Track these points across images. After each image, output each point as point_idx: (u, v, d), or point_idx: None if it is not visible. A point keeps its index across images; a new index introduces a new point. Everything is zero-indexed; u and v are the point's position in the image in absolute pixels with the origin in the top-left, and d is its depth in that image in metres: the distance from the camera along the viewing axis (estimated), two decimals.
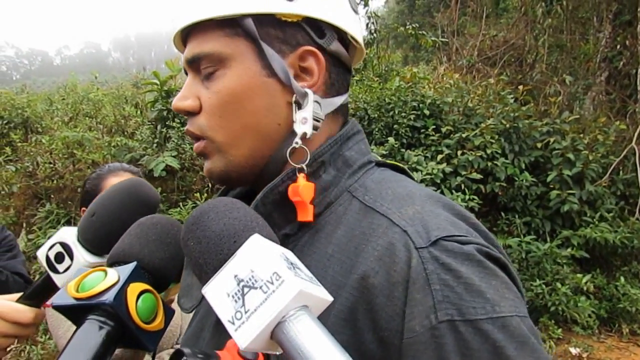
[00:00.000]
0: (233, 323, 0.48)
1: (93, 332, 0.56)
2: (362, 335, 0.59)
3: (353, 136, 0.75)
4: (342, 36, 0.75)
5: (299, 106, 0.69)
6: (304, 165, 0.68)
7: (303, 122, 0.69)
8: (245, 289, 0.49)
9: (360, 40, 0.77)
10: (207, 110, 0.71)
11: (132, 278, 0.60)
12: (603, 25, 8.38)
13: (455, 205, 0.67)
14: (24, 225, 5.99)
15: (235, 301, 0.49)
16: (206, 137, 0.72)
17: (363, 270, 0.60)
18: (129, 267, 0.61)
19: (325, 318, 0.57)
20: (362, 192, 0.69)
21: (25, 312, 0.87)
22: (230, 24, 0.69)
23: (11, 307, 0.87)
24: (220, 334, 0.73)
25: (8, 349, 0.92)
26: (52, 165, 6.27)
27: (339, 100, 0.75)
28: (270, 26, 0.69)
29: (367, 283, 0.59)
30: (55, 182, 6.08)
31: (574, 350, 4.56)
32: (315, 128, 0.69)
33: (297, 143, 0.68)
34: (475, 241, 0.59)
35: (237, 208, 0.58)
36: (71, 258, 0.84)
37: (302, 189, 0.66)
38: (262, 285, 0.48)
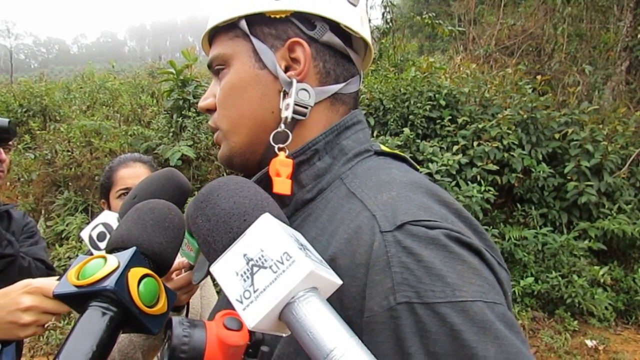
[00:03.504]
0: (241, 302, 0.48)
1: (97, 318, 0.56)
2: None
3: (352, 126, 0.78)
4: (339, 27, 0.77)
5: (286, 95, 0.74)
6: (284, 146, 0.73)
7: (286, 108, 0.73)
8: (255, 268, 0.49)
9: (358, 29, 0.78)
10: (217, 105, 0.80)
11: (132, 263, 0.60)
12: (624, 14, 8.21)
13: (442, 192, 0.68)
14: (43, 212, 6.08)
15: (244, 280, 0.49)
16: (218, 128, 0.80)
17: (333, 252, 0.61)
18: (128, 253, 0.61)
19: None
20: (350, 178, 0.71)
21: None
22: (232, 28, 0.78)
23: (53, 283, 0.95)
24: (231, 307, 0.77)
25: (46, 325, 1.00)
26: (70, 154, 6.35)
27: (334, 88, 0.77)
28: (263, 24, 0.76)
29: (335, 264, 0.59)
30: (73, 170, 6.17)
31: (589, 343, 4.53)
32: (302, 114, 0.73)
33: (280, 127, 0.73)
34: (444, 226, 0.59)
35: (248, 187, 0.59)
36: None
37: (278, 163, 0.71)
38: (272, 264, 0.48)
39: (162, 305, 0.62)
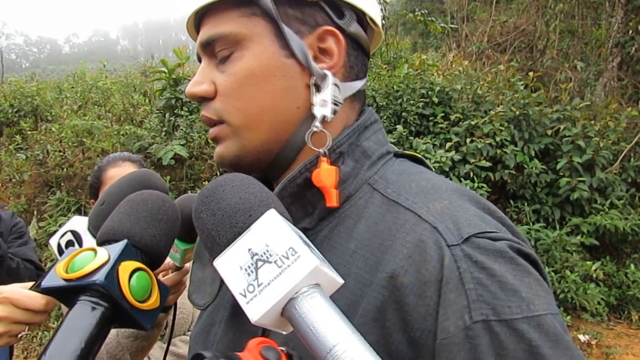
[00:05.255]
0: (245, 296, 0.48)
1: (86, 313, 0.54)
2: (391, 335, 0.57)
3: (371, 126, 0.73)
4: (360, 18, 0.72)
5: (318, 89, 0.67)
6: (325, 150, 0.66)
7: (322, 104, 0.66)
8: (259, 263, 0.49)
9: (379, 22, 0.74)
10: (223, 94, 0.69)
11: (123, 256, 0.58)
12: (615, 10, 8.25)
13: (480, 198, 0.65)
14: (35, 213, 6.05)
15: (248, 274, 0.48)
16: (223, 121, 0.70)
17: (392, 269, 0.58)
18: (119, 246, 0.59)
19: (351, 317, 0.56)
20: (383, 184, 0.67)
21: (37, 299, 0.87)
22: (248, 4, 0.67)
23: (23, 293, 0.88)
24: (234, 330, 0.72)
25: (19, 335, 0.93)
26: (62, 154, 6.31)
27: (358, 85, 0.73)
28: (288, 5, 0.67)
29: (397, 282, 0.57)
30: (65, 170, 6.13)
31: (582, 337, 4.56)
32: (334, 112, 0.67)
33: (317, 127, 0.66)
34: (506, 237, 0.57)
35: (253, 184, 0.58)
36: (81, 245, 0.86)
37: (324, 173, 0.65)
38: (277, 259, 0.48)
39: (154, 300, 0.59)
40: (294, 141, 0.69)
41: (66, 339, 0.51)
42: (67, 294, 0.56)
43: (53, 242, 0.90)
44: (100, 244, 0.62)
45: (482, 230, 0.56)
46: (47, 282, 0.57)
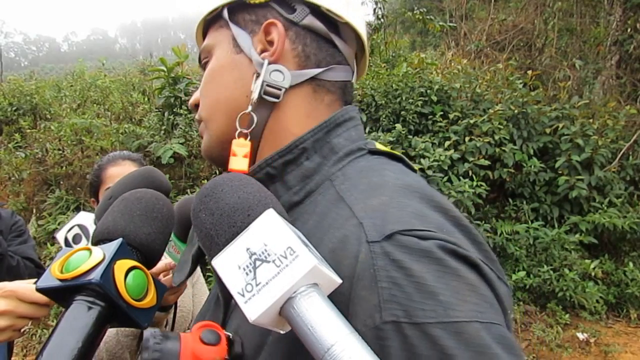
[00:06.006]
0: (243, 295, 0.48)
1: (82, 312, 0.54)
2: None
3: (344, 123, 0.73)
4: (321, 11, 0.75)
5: (259, 77, 0.72)
6: (247, 132, 0.71)
7: (256, 89, 0.71)
8: (257, 262, 0.49)
9: (343, 13, 0.75)
10: (200, 95, 0.79)
11: (119, 255, 0.58)
12: (614, 8, 8.25)
13: (439, 197, 0.62)
14: (34, 211, 6.05)
15: (247, 274, 0.49)
16: (200, 119, 0.79)
17: None
18: (114, 244, 0.59)
19: None
20: (340, 180, 0.66)
21: None
22: (218, 19, 0.78)
23: (28, 287, 0.92)
24: (214, 311, 0.75)
25: (22, 330, 0.97)
26: (61, 152, 6.31)
27: (313, 72, 0.74)
28: (244, 11, 0.76)
29: None
30: (64, 168, 6.13)
31: (581, 336, 4.57)
32: (274, 96, 0.71)
33: (247, 109, 0.71)
34: (438, 236, 0.53)
35: (251, 184, 0.58)
36: (87, 239, 0.88)
37: (235, 144, 0.70)
38: (275, 259, 0.48)
39: (151, 299, 0.60)
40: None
41: (63, 339, 0.52)
42: (63, 294, 0.57)
43: (60, 236, 0.93)
44: (95, 243, 0.62)
45: (411, 227, 0.53)
46: (42, 282, 0.57)
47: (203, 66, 0.81)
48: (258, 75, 0.72)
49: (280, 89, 0.71)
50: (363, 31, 0.79)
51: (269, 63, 0.71)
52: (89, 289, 0.55)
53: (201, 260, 0.83)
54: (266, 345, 0.58)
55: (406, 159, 0.75)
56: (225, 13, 0.76)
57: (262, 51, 0.73)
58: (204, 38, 0.83)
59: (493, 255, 0.59)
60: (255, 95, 0.70)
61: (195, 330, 0.53)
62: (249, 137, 0.71)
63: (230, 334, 0.55)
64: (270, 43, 0.73)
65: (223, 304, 0.70)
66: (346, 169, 0.68)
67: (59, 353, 0.50)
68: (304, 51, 0.74)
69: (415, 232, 0.53)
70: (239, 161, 0.69)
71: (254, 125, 0.71)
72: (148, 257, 0.64)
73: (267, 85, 0.70)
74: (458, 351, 0.46)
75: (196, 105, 0.81)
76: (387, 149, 0.74)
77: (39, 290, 0.57)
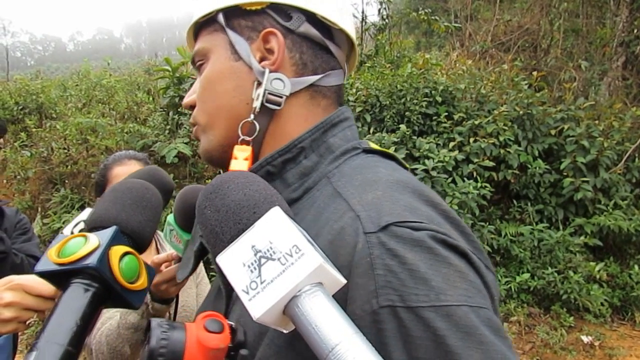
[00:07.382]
0: (247, 292, 0.48)
1: (79, 294, 0.57)
2: None
3: (340, 123, 0.77)
4: (318, 19, 0.77)
5: (261, 85, 0.73)
6: (250, 139, 0.73)
7: (258, 98, 0.72)
8: (263, 260, 0.49)
9: (337, 20, 0.78)
10: (197, 100, 0.80)
11: (113, 241, 0.62)
12: (620, 9, 8.22)
13: (429, 192, 0.66)
14: (39, 209, 6.08)
15: (251, 271, 0.49)
16: (196, 123, 0.80)
17: None
18: (109, 231, 0.63)
19: None
20: (337, 177, 0.69)
21: (49, 285, 0.92)
22: (212, 23, 0.78)
23: (35, 280, 0.95)
24: (216, 302, 0.76)
25: (27, 322, 1.00)
26: (66, 151, 6.34)
27: (311, 79, 0.76)
28: (240, 17, 0.76)
29: None
30: (69, 167, 6.16)
31: (585, 339, 4.55)
32: (276, 104, 0.73)
33: (250, 118, 0.73)
34: (430, 227, 0.57)
35: (257, 181, 0.59)
36: None
37: (236, 149, 0.73)
38: (281, 257, 0.48)
39: (142, 282, 0.64)
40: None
41: (62, 318, 0.55)
42: (60, 277, 0.60)
43: (67, 231, 0.94)
44: (89, 230, 0.66)
45: (404, 219, 0.57)
46: (40, 266, 0.60)
47: (197, 68, 0.82)
48: (259, 84, 0.73)
49: (281, 97, 0.73)
50: (354, 35, 0.83)
51: (270, 72, 0.73)
52: (86, 272, 0.59)
53: (204, 258, 0.85)
54: (268, 333, 0.60)
55: (398, 157, 0.79)
56: (221, 18, 0.77)
57: (262, 59, 0.75)
58: (195, 39, 0.84)
59: (480, 245, 0.63)
60: (257, 104, 0.72)
61: (200, 320, 0.55)
62: (251, 144, 0.74)
63: (232, 323, 0.56)
64: (269, 51, 0.74)
65: (225, 295, 0.72)
66: (342, 167, 0.72)
67: (58, 330, 0.54)
68: (301, 59, 0.76)
69: (408, 224, 0.56)
70: (239, 164, 0.71)
71: (256, 134, 0.73)
72: (139, 243, 0.68)
73: (269, 94, 0.72)
74: (448, 332, 0.50)
75: (191, 106, 0.81)
76: (379, 147, 0.77)
77: (37, 273, 0.60)
